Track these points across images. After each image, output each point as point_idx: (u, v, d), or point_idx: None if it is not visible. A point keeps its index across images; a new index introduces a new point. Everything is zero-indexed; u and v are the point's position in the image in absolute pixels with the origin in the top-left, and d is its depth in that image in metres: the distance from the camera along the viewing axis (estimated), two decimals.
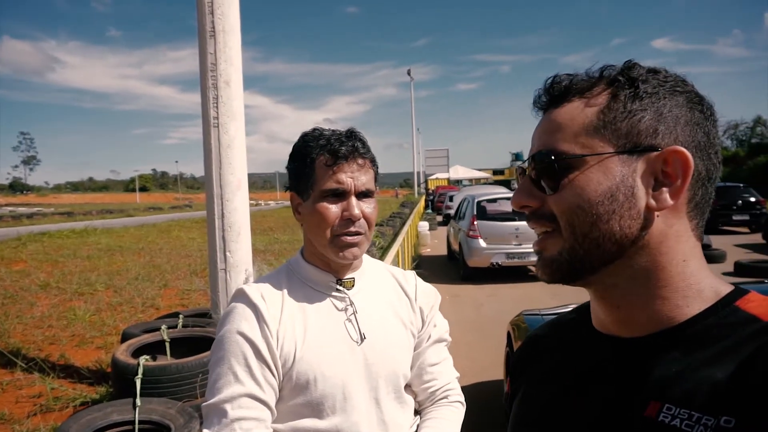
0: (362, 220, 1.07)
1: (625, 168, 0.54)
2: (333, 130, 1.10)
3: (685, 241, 0.56)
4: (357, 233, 1.06)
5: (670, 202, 0.53)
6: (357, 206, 1.05)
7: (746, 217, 14.46)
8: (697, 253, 0.57)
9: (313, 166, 1.06)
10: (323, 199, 1.06)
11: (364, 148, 1.08)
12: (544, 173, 0.57)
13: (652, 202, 0.54)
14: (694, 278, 0.56)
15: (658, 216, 0.55)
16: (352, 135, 1.08)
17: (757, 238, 12.48)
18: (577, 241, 0.56)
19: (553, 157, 0.57)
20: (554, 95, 0.60)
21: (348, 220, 1.05)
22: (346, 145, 1.05)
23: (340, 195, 1.05)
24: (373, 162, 1.11)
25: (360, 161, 1.07)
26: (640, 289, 0.56)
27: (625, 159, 0.54)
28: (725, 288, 0.56)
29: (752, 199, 14.56)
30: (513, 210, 0.69)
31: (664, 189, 0.54)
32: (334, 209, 1.05)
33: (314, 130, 1.11)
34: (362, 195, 1.08)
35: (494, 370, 4.45)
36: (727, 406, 0.47)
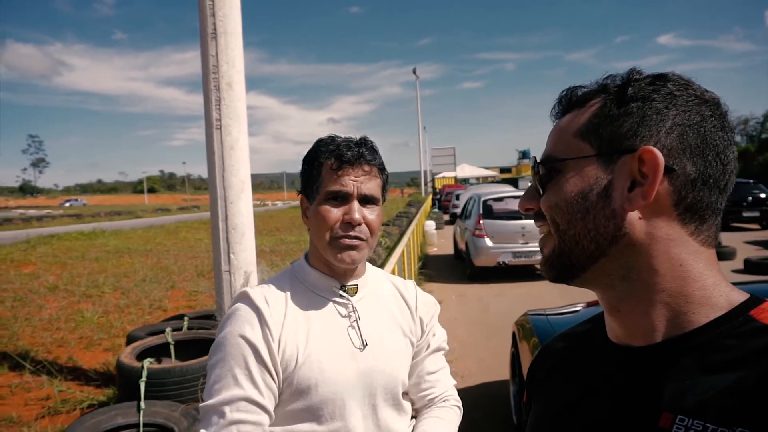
0: (363, 226, 1.06)
1: (602, 170, 0.56)
2: (347, 137, 1.10)
3: (681, 245, 0.55)
4: (357, 237, 1.05)
5: (641, 201, 0.54)
6: (359, 211, 1.05)
7: (756, 214, 14.27)
8: (701, 259, 0.55)
9: (320, 169, 1.07)
10: (326, 201, 1.06)
11: (371, 155, 1.08)
12: (538, 177, 0.62)
13: (626, 202, 0.54)
14: (696, 285, 0.54)
15: (640, 218, 0.55)
16: (361, 142, 1.09)
17: (767, 234, 12.33)
18: (561, 238, 0.59)
19: (541, 162, 0.62)
20: (563, 106, 0.64)
21: (348, 223, 1.05)
22: (352, 150, 1.06)
23: (342, 198, 1.06)
24: (382, 170, 1.11)
25: (366, 167, 1.07)
26: (637, 293, 0.56)
27: (604, 161, 0.56)
28: (739, 297, 0.55)
29: (762, 195, 14.36)
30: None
31: (638, 189, 0.54)
32: (335, 212, 1.05)
33: (328, 136, 1.11)
34: (366, 201, 1.07)
35: (501, 369, 4.43)
36: (742, 417, 0.46)
